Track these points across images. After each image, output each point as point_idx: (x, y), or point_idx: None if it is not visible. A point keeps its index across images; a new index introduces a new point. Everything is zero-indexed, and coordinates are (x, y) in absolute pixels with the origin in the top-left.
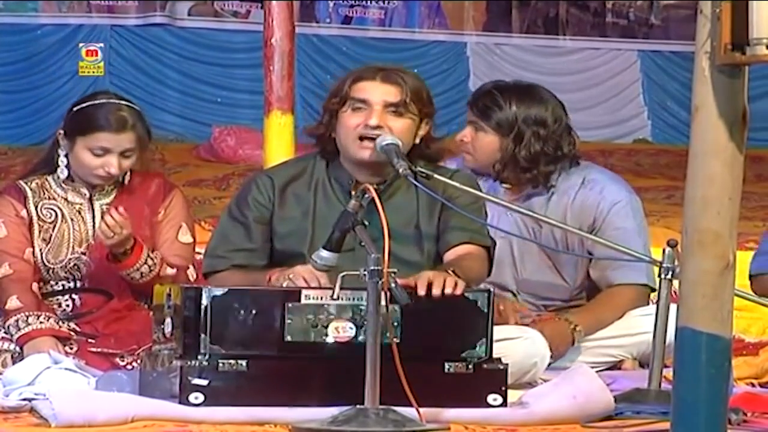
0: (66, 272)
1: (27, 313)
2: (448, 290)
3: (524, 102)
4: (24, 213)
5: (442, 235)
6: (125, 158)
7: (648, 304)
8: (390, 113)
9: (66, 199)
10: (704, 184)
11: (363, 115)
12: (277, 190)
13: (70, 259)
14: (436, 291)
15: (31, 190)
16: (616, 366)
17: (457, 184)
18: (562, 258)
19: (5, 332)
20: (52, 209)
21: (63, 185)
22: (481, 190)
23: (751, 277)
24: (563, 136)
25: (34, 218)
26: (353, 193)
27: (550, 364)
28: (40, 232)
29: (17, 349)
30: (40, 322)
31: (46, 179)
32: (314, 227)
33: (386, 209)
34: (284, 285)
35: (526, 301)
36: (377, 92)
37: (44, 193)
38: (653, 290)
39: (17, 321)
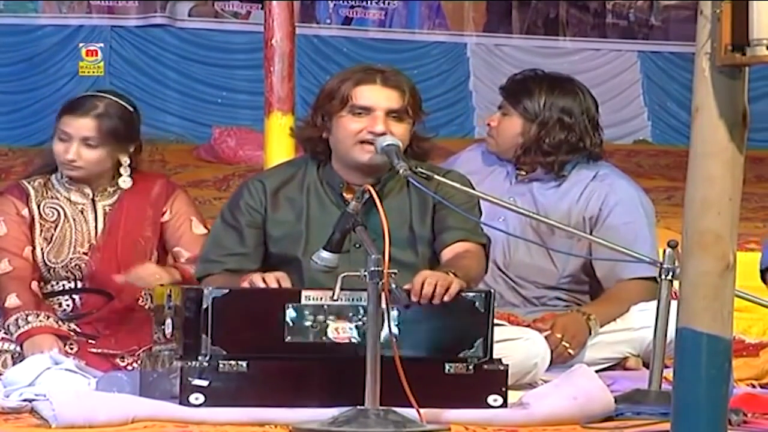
0: (67, 272)
1: (26, 312)
2: (436, 301)
3: (554, 91)
4: (25, 212)
5: (438, 235)
6: (87, 148)
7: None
8: (392, 118)
9: (69, 199)
10: (704, 185)
11: (365, 120)
12: (269, 194)
13: (71, 258)
14: (423, 300)
15: (33, 189)
16: (620, 364)
17: (454, 183)
18: (555, 242)
19: (5, 331)
20: (54, 209)
21: (66, 185)
22: (474, 189)
23: (762, 271)
24: (588, 130)
25: (36, 217)
26: (344, 195)
27: (572, 356)
28: (41, 231)
29: (17, 348)
30: (40, 321)
31: (49, 179)
32: (308, 230)
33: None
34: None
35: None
36: (380, 98)
37: (47, 193)
38: None
39: (17, 319)
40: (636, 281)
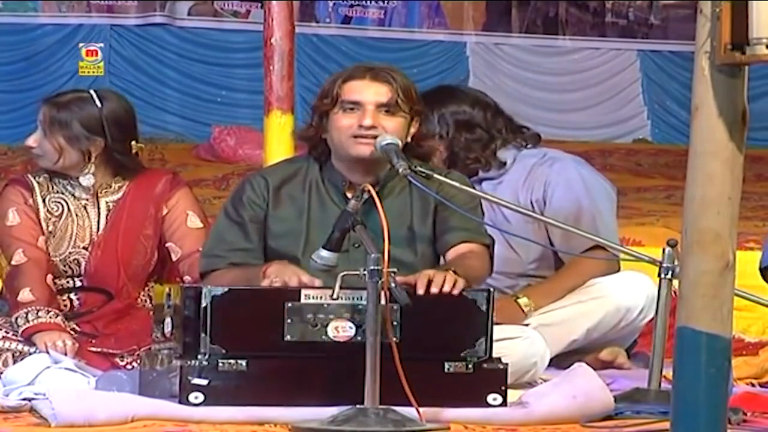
0: (65, 266)
1: (38, 307)
2: (446, 288)
3: (436, 103)
4: (31, 202)
5: (441, 235)
6: (50, 133)
7: (617, 272)
8: (382, 113)
9: (73, 195)
10: (704, 184)
11: (356, 115)
12: (271, 190)
13: (70, 253)
14: (434, 288)
15: (38, 184)
16: (610, 363)
17: (455, 183)
18: (512, 231)
19: (11, 324)
20: (59, 202)
21: (71, 181)
22: (475, 189)
23: (762, 270)
24: (490, 118)
25: (41, 210)
26: (347, 193)
27: None
28: (47, 225)
29: (19, 347)
30: (50, 318)
31: (54, 174)
32: (308, 228)
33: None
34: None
35: None
36: (369, 92)
37: (52, 188)
38: (618, 259)
39: (27, 313)
40: (582, 257)
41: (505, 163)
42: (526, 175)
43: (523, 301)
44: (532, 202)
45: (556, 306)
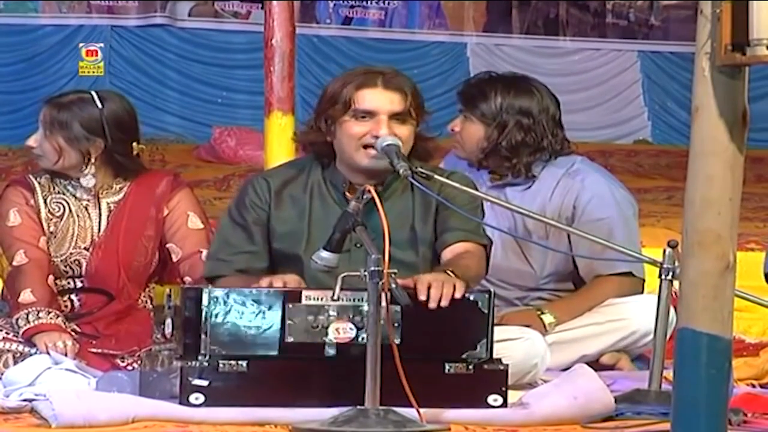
0: (66, 266)
1: (38, 308)
2: (444, 302)
3: (510, 92)
4: (33, 203)
5: (439, 235)
6: (50, 134)
7: (641, 293)
8: (395, 121)
9: (74, 196)
10: (705, 185)
11: (368, 124)
12: (273, 192)
13: (71, 253)
14: (432, 304)
15: (39, 184)
16: (611, 368)
17: (455, 184)
18: (529, 244)
19: (12, 325)
20: (60, 203)
21: (72, 182)
22: (477, 190)
23: (766, 275)
24: (549, 129)
25: (42, 210)
26: (348, 194)
27: None
28: (48, 225)
29: (19, 348)
30: (50, 319)
31: (55, 175)
32: (310, 229)
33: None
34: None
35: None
36: (383, 101)
37: (53, 188)
38: (643, 280)
39: (28, 314)
40: (610, 277)
41: (535, 176)
42: (555, 186)
43: (547, 318)
44: (560, 216)
45: (570, 325)
